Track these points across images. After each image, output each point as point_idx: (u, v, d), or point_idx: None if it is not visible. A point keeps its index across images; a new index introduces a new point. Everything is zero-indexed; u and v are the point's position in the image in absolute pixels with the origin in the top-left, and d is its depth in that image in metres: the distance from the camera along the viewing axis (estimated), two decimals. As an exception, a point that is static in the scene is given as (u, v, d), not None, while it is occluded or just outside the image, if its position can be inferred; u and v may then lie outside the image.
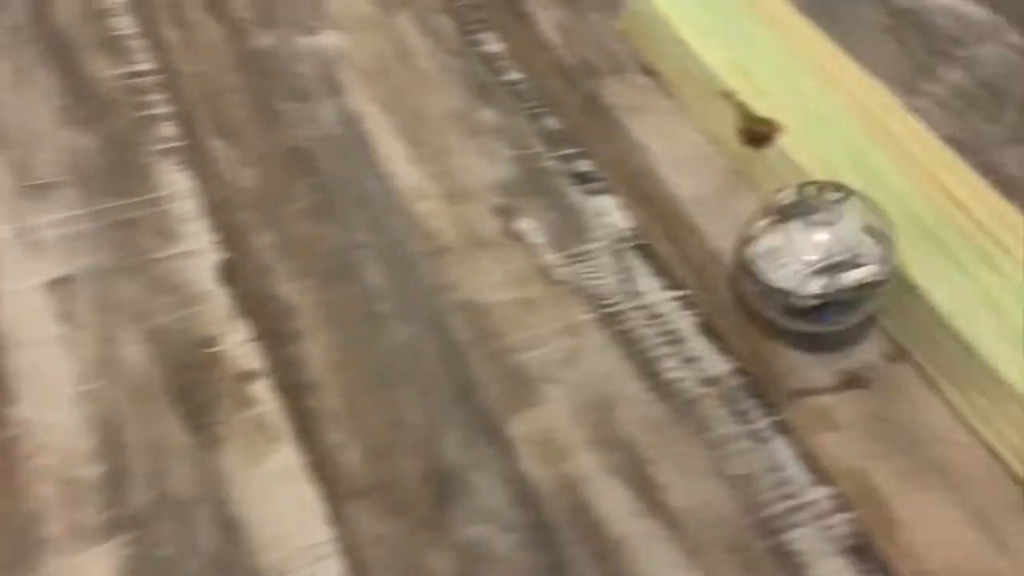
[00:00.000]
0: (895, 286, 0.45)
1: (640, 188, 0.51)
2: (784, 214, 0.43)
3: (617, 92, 0.57)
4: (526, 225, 0.48)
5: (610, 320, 0.44)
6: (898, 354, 0.45)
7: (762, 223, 0.43)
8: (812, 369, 0.44)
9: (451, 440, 0.39)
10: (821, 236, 0.41)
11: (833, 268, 0.41)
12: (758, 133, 0.50)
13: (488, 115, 0.54)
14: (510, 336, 0.43)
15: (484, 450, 0.39)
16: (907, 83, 0.62)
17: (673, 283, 0.47)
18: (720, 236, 0.49)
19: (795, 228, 0.42)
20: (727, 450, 0.40)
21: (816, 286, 0.41)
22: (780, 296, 0.42)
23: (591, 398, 0.41)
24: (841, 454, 0.41)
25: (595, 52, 0.59)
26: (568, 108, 0.55)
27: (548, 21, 0.61)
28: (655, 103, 0.57)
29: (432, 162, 0.50)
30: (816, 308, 0.42)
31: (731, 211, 0.50)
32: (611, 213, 0.49)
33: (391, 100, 0.53)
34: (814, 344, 0.45)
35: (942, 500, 0.40)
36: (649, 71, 0.58)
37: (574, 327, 0.44)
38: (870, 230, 0.42)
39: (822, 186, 0.44)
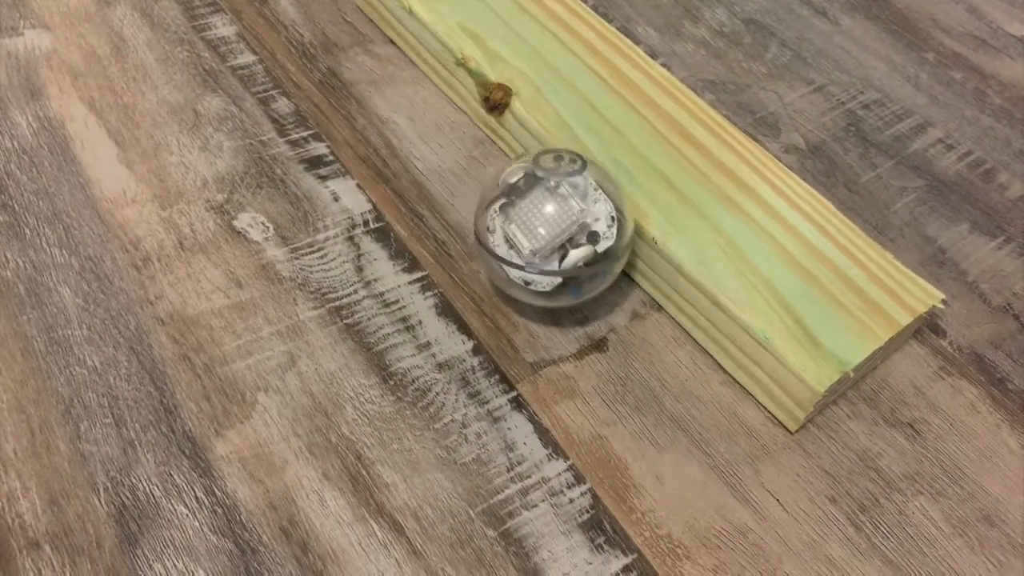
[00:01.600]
0: (635, 245, 0.43)
1: (378, 167, 0.48)
2: (515, 189, 0.40)
3: (360, 65, 0.53)
4: (248, 221, 0.44)
5: (339, 314, 0.41)
6: (651, 310, 0.44)
7: (493, 199, 0.41)
8: (554, 339, 0.42)
9: (146, 470, 0.35)
10: (551, 210, 0.39)
11: (566, 243, 0.39)
12: (494, 100, 0.47)
13: (213, 104, 0.49)
14: (221, 346, 0.39)
15: (184, 476, 0.35)
16: (673, 27, 0.60)
17: (410, 265, 0.44)
18: (465, 209, 0.46)
19: (526, 203, 0.39)
20: (458, 437, 0.38)
21: (550, 265, 0.39)
22: (516, 275, 0.40)
23: (311, 403, 0.38)
24: (579, 423, 0.39)
25: (337, 25, 0.56)
26: (304, 88, 0.51)
27: (286, -3, 0.57)
28: (401, 74, 0.53)
29: (144, 163, 0.46)
30: (559, 286, 0.40)
31: (479, 181, 0.48)
32: (346, 197, 0.46)
33: (101, 100, 0.49)
34: (559, 315, 0.43)
35: (682, 459, 0.38)
36: (394, 40, 0.55)
37: (297, 327, 0.41)
38: (604, 198, 0.40)
39: (553, 156, 0.41)
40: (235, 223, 0.44)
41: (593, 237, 0.39)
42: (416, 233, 0.45)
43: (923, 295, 0.41)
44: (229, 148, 0.47)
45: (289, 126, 0.49)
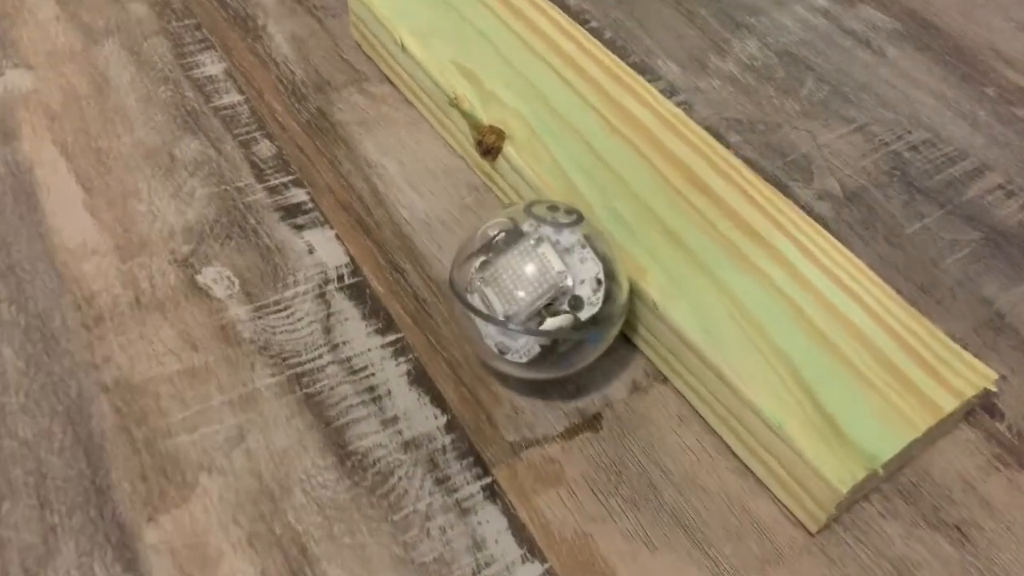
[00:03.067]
0: (636, 308, 0.38)
1: (360, 215, 0.44)
2: (494, 245, 0.36)
3: (352, 105, 0.50)
4: (213, 276, 0.41)
5: (299, 381, 0.37)
6: (655, 381, 0.38)
7: (472, 254, 0.36)
8: (539, 415, 0.37)
9: (66, 560, 0.32)
10: (531, 271, 0.34)
11: (542, 311, 0.34)
12: (487, 144, 0.43)
13: (191, 148, 0.46)
14: (167, 417, 0.36)
15: (106, 570, 0.31)
16: (697, 60, 0.55)
17: (385, 325, 0.39)
18: (451, 264, 0.42)
19: (504, 262, 0.35)
20: (419, 531, 0.33)
21: (525, 344, 0.34)
22: (490, 342, 0.35)
23: (257, 485, 0.34)
24: (562, 518, 0.34)
25: (332, 63, 0.52)
26: (289, 129, 0.48)
27: (282, 34, 0.54)
28: (395, 114, 0.50)
29: (110, 210, 0.43)
30: (536, 356, 0.35)
31: (470, 232, 0.43)
32: (322, 249, 0.42)
33: (74, 142, 0.46)
34: (547, 386, 0.38)
35: (681, 563, 0.32)
36: (390, 79, 0.52)
37: (251, 397, 0.37)
38: (592, 258, 0.35)
39: (546, 207, 0.36)
40: (198, 278, 0.40)
41: (576, 303, 0.34)
42: (394, 289, 0.41)
43: (973, 375, 0.35)
44: (202, 195, 0.44)
45: (269, 171, 0.46)
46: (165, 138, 0.47)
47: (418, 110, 0.49)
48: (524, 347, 0.34)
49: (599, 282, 0.34)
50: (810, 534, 0.34)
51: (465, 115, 0.44)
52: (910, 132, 0.51)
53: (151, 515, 0.33)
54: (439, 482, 0.34)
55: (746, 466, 0.36)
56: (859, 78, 0.55)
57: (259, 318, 0.39)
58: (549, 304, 0.34)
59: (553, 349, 0.35)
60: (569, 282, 0.34)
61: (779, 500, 0.35)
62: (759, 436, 0.34)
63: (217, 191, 0.44)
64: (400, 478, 0.34)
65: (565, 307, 0.34)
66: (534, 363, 0.35)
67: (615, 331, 0.36)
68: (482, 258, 0.36)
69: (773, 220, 0.40)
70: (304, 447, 0.35)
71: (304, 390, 0.37)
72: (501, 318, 0.34)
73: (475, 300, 0.35)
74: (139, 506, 0.33)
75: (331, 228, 0.43)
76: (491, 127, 0.43)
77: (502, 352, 0.35)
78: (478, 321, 0.35)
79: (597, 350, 0.36)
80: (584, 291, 0.34)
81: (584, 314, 0.34)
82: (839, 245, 0.39)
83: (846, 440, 0.32)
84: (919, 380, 0.34)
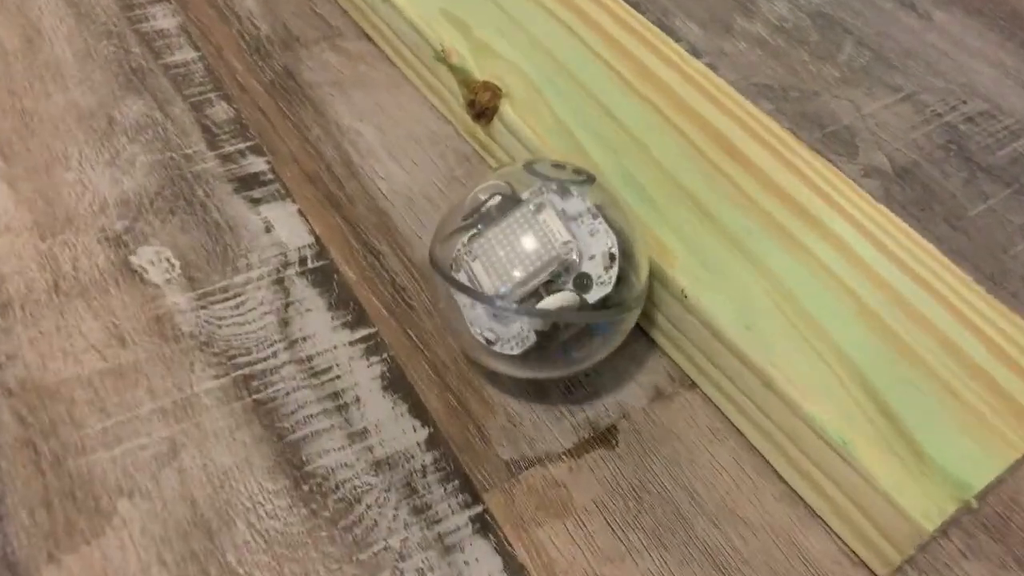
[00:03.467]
0: (657, 296, 0.32)
1: (329, 189, 0.37)
2: (485, 214, 0.29)
3: (324, 64, 0.43)
4: (150, 257, 0.34)
5: (247, 385, 0.31)
6: (681, 387, 0.32)
7: (460, 226, 0.30)
8: (542, 427, 0.30)
9: (-62, 614, 0.25)
10: (528, 242, 0.28)
11: (540, 289, 0.28)
12: (480, 104, 0.36)
13: (133, 110, 0.40)
14: (82, 429, 0.29)
15: (-10, 625, 0.25)
16: (721, 21, 0.49)
17: (355, 318, 0.33)
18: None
19: (497, 232, 0.28)
20: (392, 573, 0.26)
21: (519, 331, 0.28)
22: (477, 332, 0.29)
23: (190, 514, 0.27)
24: (570, 557, 0.27)
25: (302, 17, 0.45)
26: (250, 90, 0.41)
27: (247, -16, 0.47)
28: (374, 74, 0.43)
29: (31, 180, 0.36)
30: (534, 348, 0.28)
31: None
32: (282, 226, 0.36)
33: (-3, 102, 0.39)
34: (549, 390, 0.31)
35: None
36: (369, 34, 0.45)
37: (188, 403, 0.30)
38: (605, 229, 0.28)
39: (549, 165, 0.30)
40: (132, 259, 0.34)
41: (583, 281, 0.28)
42: (368, 276, 0.34)
43: (1077, 381, 0.29)
44: (143, 163, 0.37)
45: (224, 136, 0.39)
46: (103, 98, 0.40)
47: (400, 69, 0.42)
48: (518, 335, 0.28)
49: (612, 258, 0.28)
50: (877, 577, 0.27)
51: (454, 70, 0.37)
52: (965, 102, 0.45)
53: (52, 553, 0.26)
54: (417, 511, 0.28)
55: (796, 492, 0.29)
56: (903, 43, 0.48)
57: (202, 308, 0.32)
58: (550, 282, 0.28)
59: (553, 338, 0.28)
60: (575, 256, 0.28)
61: (837, 535, 0.28)
62: (815, 456, 0.28)
63: (161, 159, 0.37)
64: (369, 506, 0.28)
65: (570, 286, 0.28)
66: (530, 357, 0.28)
67: (630, 322, 0.29)
68: (471, 231, 0.29)
69: (822, 193, 0.33)
70: (251, 466, 0.28)
71: (253, 396, 0.30)
72: (493, 295, 0.28)
73: (460, 278, 0.29)
74: (38, 541, 0.26)
75: (293, 202, 0.36)
76: (485, 83, 0.36)
77: (490, 342, 0.28)
78: (463, 305, 0.29)
79: (608, 344, 0.29)
80: (594, 268, 0.28)
81: (592, 296, 0.27)
82: (902, 223, 0.33)
83: (930, 463, 0.26)
84: (1013, 388, 0.28)
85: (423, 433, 0.30)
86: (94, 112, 0.39)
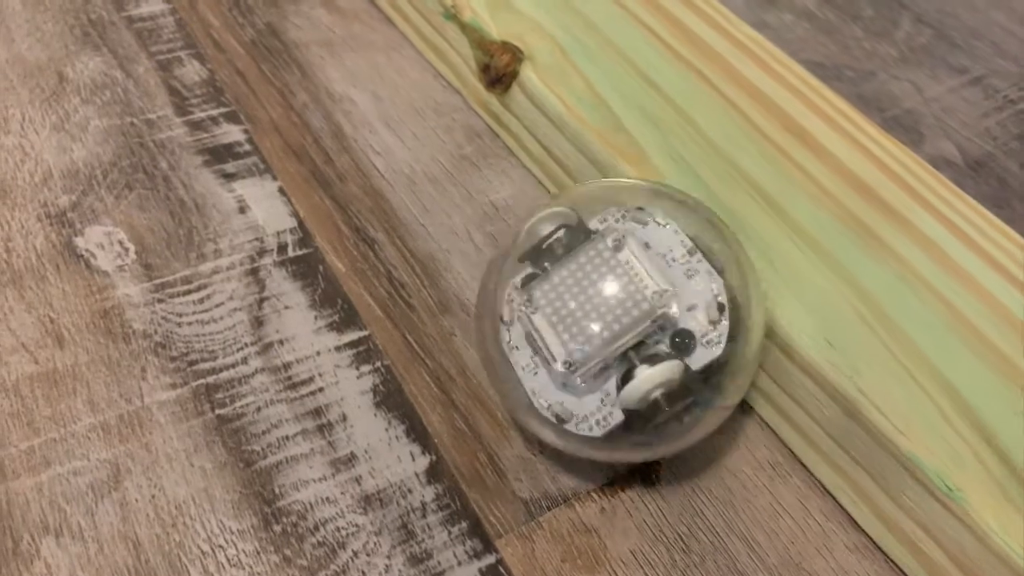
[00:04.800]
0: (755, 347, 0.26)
1: (317, 164, 0.32)
2: (547, 250, 0.23)
3: (313, 21, 0.37)
4: (99, 239, 0.28)
5: (211, 398, 0.25)
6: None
7: (512, 264, 0.24)
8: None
9: None
10: (610, 289, 0.22)
11: (630, 354, 0.22)
12: (497, 69, 0.31)
13: (89, 67, 0.34)
14: (4, 448, 0.23)
15: None
16: (762, -7, 0.44)
17: (344, 318, 0.28)
18: (442, 235, 0.30)
19: (563, 276, 0.22)
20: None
21: (601, 404, 0.22)
22: (548, 407, 0.22)
23: (131, 561, 0.21)
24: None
25: (292, -31, 0.40)
26: (228, 49, 0.36)
27: (228, -68, 0.41)
28: (371, 35, 0.37)
29: (-37, 145, 0.31)
30: (622, 427, 0.22)
31: (469, 192, 0.31)
32: (259, 207, 0.30)
33: (-73, 53, 0.34)
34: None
35: None
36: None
37: (136, 418, 0.25)
38: (706, 269, 0.22)
39: (618, 189, 0.25)
40: (78, 241, 0.28)
41: (682, 341, 0.22)
42: (360, 268, 0.29)
43: None
44: (97, 128, 0.32)
45: (194, 101, 0.33)
46: (54, 53, 0.34)
47: (400, 30, 0.37)
48: (598, 411, 0.22)
49: (720, 308, 0.22)
50: (977, 653, 0.22)
51: (466, 29, 0.32)
52: (1039, 88, 0.40)
53: (-48, 610, 0.21)
54: (416, 561, 0.23)
55: (875, 543, 0.24)
56: (967, 21, 0.43)
57: (159, 302, 0.27)
58: (640, 343, 0.22)
59: (648, 417, 0.22)
60: (674, 308, 0.22)
61: (928, 598, 0.23)
62: (908, 504, 0.22)
63: (119, 124, 0.32)
64: (356, 553, 0.22)
65: (665, 347, 0.22)
66: (614, 439, 0.22)
67: (743, 389, 0.23)
68: (527, 270, 0.23)
69: (908, 187, 0.28)
70: (210, 500, 0.23)
71: (217, 411, 0.25)
72: (559, 368, 0.22)
73: (514, 335, 0.23)
74: (-65, 593, 0.21)
75: (274, 179, 0.31)
76: (503, 44, 0.30)
77: (562, 420, 0.22)
78: (520, 367, 0.23)
79: (714, 419, 0.23)
80: (696, 323, 0.22)
81: (697, 360, 0.22)
82: (1003, 226, 0.27)
83: (1061, 520, 0.21)
84: None
85: (423, 462, 0.24)
86: (42, 68, 0.33)
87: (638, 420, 0.22)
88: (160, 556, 0.22)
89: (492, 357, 0.23)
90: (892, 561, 0.24)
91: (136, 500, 0.23)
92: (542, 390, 0.22)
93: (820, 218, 0.27)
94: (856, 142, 0.29)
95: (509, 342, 0.23)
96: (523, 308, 0.22)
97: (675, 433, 0.22)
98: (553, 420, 0.22)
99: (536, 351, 0.23)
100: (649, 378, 0.21)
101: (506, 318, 0.23)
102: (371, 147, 0.32)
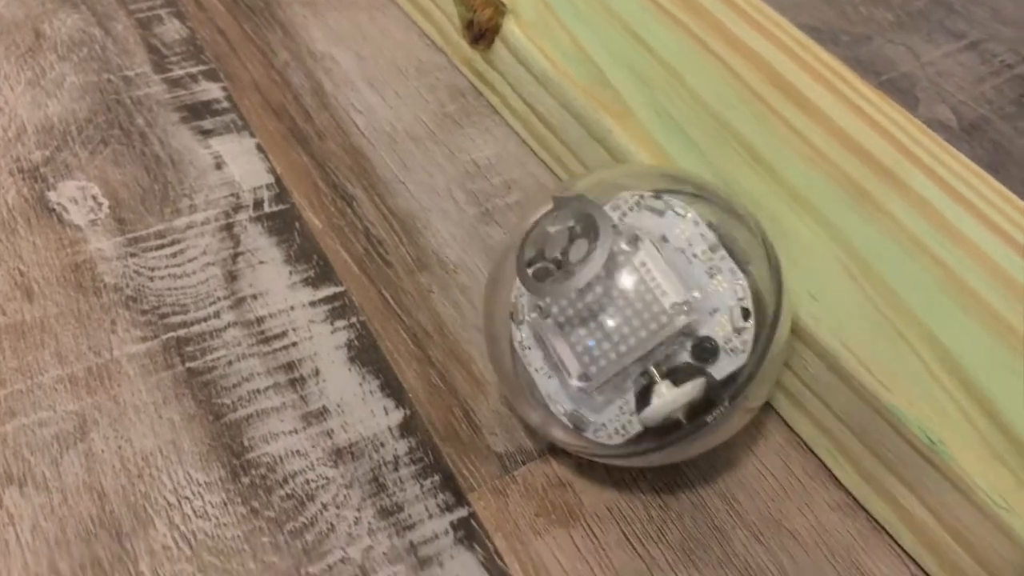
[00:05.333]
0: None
1: (296, 121, 0.31)
2: (554, 246, 0.21)
3: (299, -18, 0.37)
4: (72, 193, 0.28)
5: (181, 351, 0.25)
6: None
7: (513, 266, 0.21)
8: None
9: None
10: (631, 291, 0.20)
11: (648, 367, 0.20)
12: (480, 24, 0.30)
13: (67, 24, 0.33)
14: (-34, 397, 0.23)
15: None
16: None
17: (319, 274, 0.27)
18: (423, 192, 0.29)
19: (581, 281, 0.20)
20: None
21: (620, 412, 0.21)
22: (565, 414, 0.21)
23: (96, 511, 0.21)
24: (577, 574, 0.22)
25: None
26: (209, 7, 0.35)
27: None
28: (357, -5, 0.37)
29: (-64, 99, 0.30)
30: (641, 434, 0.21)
31: (451, 150, 0.31)
32: (236, 163, 0.29)
33: (-98, 8, 0.33)
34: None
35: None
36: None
37: (104, 371, 0.24)
38: (730, 266, 0.21)
39: (628, 174, 0.23)
40: (50, 195, 0.28)
41: (703, 349, 0.20)
42: (337, 224, 0.28)
43: None
44: (73, 85, 0.31)
45: (173, 58, 0.33)
46: (32, 9, 0.34)
47: (388, -10, 0.36)
48: (617, 419, 0.21)
49: (745, 314, 0.20)
50: (961, 613, 0.22)
51: (450, -15, 0.31)
52: (1038, 54, 0.39)
53: (-90, 558, 0.20)
54: (386, 514, 0.22)
55: (858, 501, 0.24)
56: (965, -13, 0.42)
57: (132, 256, 0.26)
58: (657, 356, 0.20)
59: (669, 430, 0.21)
60: (694, 314, 0.20)
61: (910, 555, 0.23)
62: (890, 458, 0.22)
63: (96, 81, 0.31)
64: (325, 506, 0.22)
65: (687, 355, 0.20)
66: (633, 445, 0.21)
67: (769, 392, 0.23)
68: (536, 267, 0.21)
69: (898, 144, 0.27)
70: (178, 451, 0.23)
71: (187, 364, 0.24)
72: (574, 382, 0.20)
73: (526, 335, 0.21)
74: None
75: (252, 136, 0.30)
76: (486, -1, 0.30)
77: (580, 428, 0.21)
78: (534, 369, 0.21)
79: (738, 421, 0.22)
80: (719, 328, 0.20)
81: (720, 369, 0.20)
82: (999, 186, 0.27)
83: (1046, 473, 0.20)
84: None
85: (396, 416, 0.24)
86: (19, 24, 0.33)
87: (658, 430, 0.21)
88: (125, 507, 0.21)
89: (503, 356, 0.22)
90: (874, 519, 0.23)
91: (102, 451, 0.22)
92: (557, 395, 0.21)
93: (810, 175, 0.26)
94: (849, 102, 0.28)
95: (522, 341, 0.22)
96: (532, 315, 0.21)
97: (697, 438, 0.21)
98: (570, 427, 0.21)
99: (548, 355, 0.21)
100: (672, 401, 0.20)
101: (516, 317, 0.22)
102: (352, 105, 0.32)
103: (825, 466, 0.24)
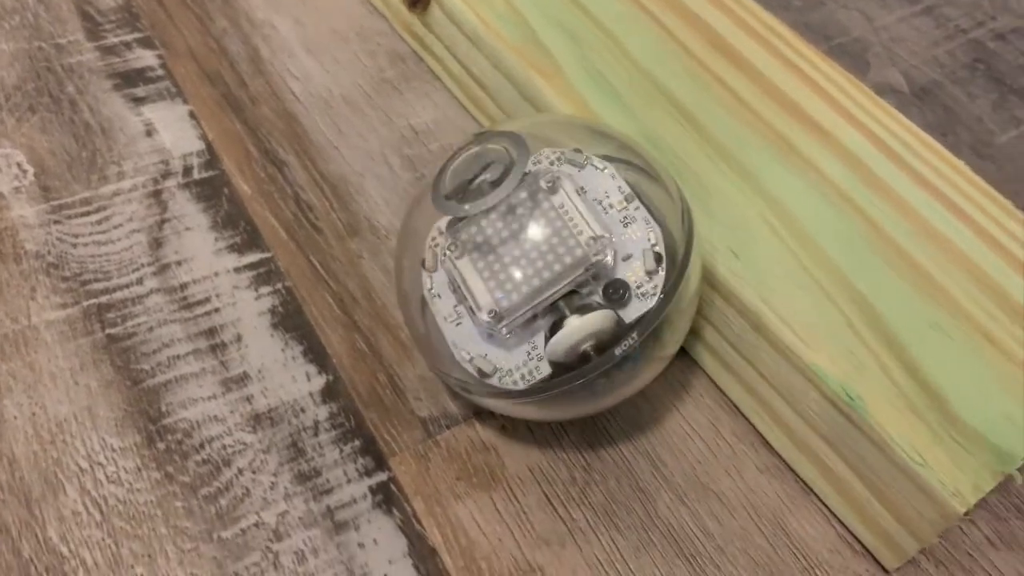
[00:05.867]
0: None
1: (230, 88, 0.30)
2: (474, 190, 0.21)
3: (241, -50, 0.36)
4: (-3, 160, 0.28)
5: (101, 317, 0.24)
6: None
7: (434, 213, 0.21)
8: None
9: None
10: (540, 233, 0.20)
11: (560, 304, 0.20)
12: (416, -16, 0.30)
13: (1, -9, 0.33)
14: None
15: None
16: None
17: (246, 240, 0.26)
18: (357, 158, 0.28)
19: (492, 221, 0.21)
20: (262, 559, 0.20)
21: (528, 358, 0.20)
22: (471, 360, 0.21)
23: (6, 476, 0.20)
24: (496, 538, 0.21)
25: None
26: (148, -24, 0.35)
27: None
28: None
29: None
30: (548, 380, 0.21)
31: (388, 115, 0.30)
32: (167, 131, 0.29)
33: None
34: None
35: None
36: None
37: (21, 337, 0.23)
38: (643, 216, 0.21)
39: (549, 125, 0.23)
40: (-26, 163, 0.27)
41: (616, 292, 0.20)
42: (267, 189, 0.28)
43: None
44: (3, 52, 0.30)
45: (107, 26, 0.32)
46: (-36, -23, 0.33)
47: (331, -42, 0.36)
48: (524, 365, 0.20)
49: (658, 259, 0.20)
50: (885, 571, 0.22)
51: (386, -52, 0.31)
52: (994, 18, 0.38)
53: None
54: (303, 479, 0.22)
55: (785, 462, 0.23)
56: (923, -49, 0.42)
57: (56, 223, 0.26)
58: (572, 292, 0.20)
59: (577, 371, 0.20)
60: (609, 257, 0.20)
61: (837, 516, 0.22)
62: (813, 418, 0.22)
63: (26, 48, 0.31)
64: (240, 471, 0.22)
65: (598, 298, 0.20)
66: (541, 395, 0.20)
67: (680, 339, 0.22)
68: (454, 215, 0.21)
69: (833, 102, 0.27)
70: (93, 417, 0.22)
71: (107, 330, 0.24)
72: (483, 318, 0.20)
73: (437, 282, 0.21)
74: None
75: (185, 103, 0.30)
76: (420, -40, 0.29)
77: (484, 374, 0.21)
78: (442, 316, 0.21)
79: (651, 371, 0.22)
80: (631, 273, 0.20)
81: (631, 312, 0.20)
82: (928, 138, 0.26)
83: (962, 428, 0.20)
84: (1067, 335, 0.22)
85: (319, 382, 0.24)
86: (-49, -8, 0.32)
87: (567, 370, 0.20)
88: (36, 473, 0.21)
89: (411, 304, 0.22)
90: (802, 480, 0.23)
91: (15, 418, 0.22)
92: (464, 342, 0.21)
93: (737, 131, 0.26)
94: (783, 57, 0.28)
95: (431, 289, 0.21)
96: (447, 252, 0.21)
97: (610, 387, 0.21)
98: (475, 374, 0.21)
99: (460, 300, 0.21)
100: (579, 328, 0.20)
101: (428, 264, 0.21)
102: (288, 71, 0.31)
103: (754, 428, 0.24)
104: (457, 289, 0.21)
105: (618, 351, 0.20)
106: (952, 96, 0.35)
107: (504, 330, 0.20)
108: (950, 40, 0.37)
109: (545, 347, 0.20)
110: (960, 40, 0.37)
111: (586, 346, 0.20)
